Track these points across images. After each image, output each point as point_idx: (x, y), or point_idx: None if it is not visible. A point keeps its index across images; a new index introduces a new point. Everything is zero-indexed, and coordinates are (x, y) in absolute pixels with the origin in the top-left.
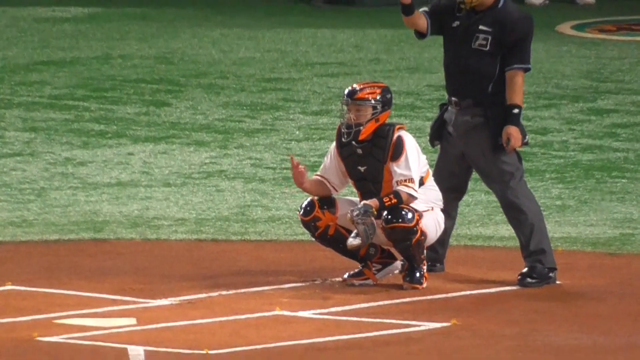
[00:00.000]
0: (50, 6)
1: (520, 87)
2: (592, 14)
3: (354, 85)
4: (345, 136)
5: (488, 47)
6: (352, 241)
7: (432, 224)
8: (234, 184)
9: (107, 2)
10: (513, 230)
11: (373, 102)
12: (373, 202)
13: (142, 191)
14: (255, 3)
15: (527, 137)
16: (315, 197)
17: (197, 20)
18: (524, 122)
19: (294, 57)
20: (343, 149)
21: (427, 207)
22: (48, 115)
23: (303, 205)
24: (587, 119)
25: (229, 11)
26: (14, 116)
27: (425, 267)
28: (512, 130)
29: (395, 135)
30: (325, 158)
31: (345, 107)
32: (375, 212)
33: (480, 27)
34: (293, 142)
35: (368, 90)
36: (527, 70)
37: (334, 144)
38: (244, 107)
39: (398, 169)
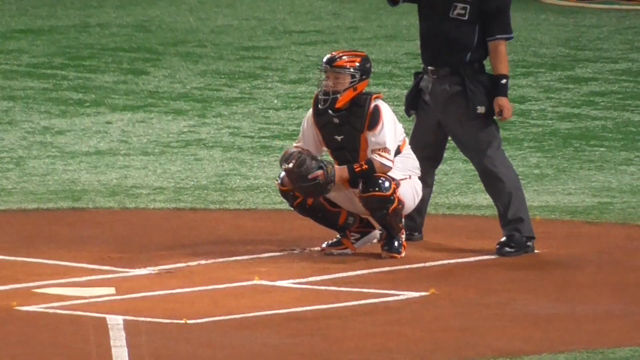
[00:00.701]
0: None
1: (504, 57)
2: None
3: (334, 53)
4: (322, 103)
5: (467, 17)
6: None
7: (410, 192)
8: (212, 153)
9: None
10: (491, 199)
11: (352, 70)
12: (342, 170)
13: (121, 160)
14: None
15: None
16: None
17: None
18: None
19: (271, 25)
20: (320, 117)
21: (404, 175)
22: (26, 84)
23: (281, 175)
24: (565, 88)
25: None
26: None
27: (403, 236)
28: (504, 102)
29: (372, 104)
30: (302, 126)
31: (323, 74)
32: (333, 180)
33: None
34: (271, 111)
35: (347, 59)
36: (509, 39)
37: (309, 111)
38: (222, 76)
39: (373, 137)
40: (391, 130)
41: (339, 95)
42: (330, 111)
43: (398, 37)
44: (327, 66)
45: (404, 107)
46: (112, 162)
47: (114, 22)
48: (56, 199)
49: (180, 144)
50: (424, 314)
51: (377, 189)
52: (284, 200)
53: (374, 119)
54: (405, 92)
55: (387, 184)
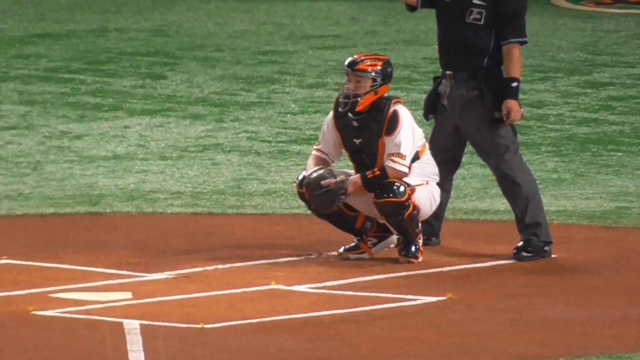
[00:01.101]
0: None
1: (518, 61)
2: None
3: (355, 56)
4: (343, 106)
5: (483, 21)
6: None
7: (426, 197)
8: (229, 157)
9: None
10: (508, 204)
11: (373, 74)
12: (356, 178)
13: (138, 164)
14: None
15: (521, 110)
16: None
17: None
18: (521, 95)
19: (289, 29)
20: (339, 120)
21: (422, 181)
22: (44, 89)
23: (299, 178)
24: (583, 92)
25: None
26: (9, 89)
27: (420, 241)
28: (512, 104)
29: (392, 109)
30: (322, 129)
31: (345, 77)
32: (346, 191)
33: (474, 1)
34: (289, 115)
35: (369, 62)
36: (523, 43)
37: (330, 114)
38: (240, 80)
39: (390, 142)
40: (409, 136)
41: (359, 99)
42: (350, 114)
43: (416, 41)
44: (349, 69)
45: (422, 112)
46: (130, 166)
47: (132, 27)
48: (74, 203)
49: (198, 149)
50: (441, 319)
51: (391, 194)
52: (302, 205)
53: (393, 123)
54: (423, 96)
55: (401, 189)
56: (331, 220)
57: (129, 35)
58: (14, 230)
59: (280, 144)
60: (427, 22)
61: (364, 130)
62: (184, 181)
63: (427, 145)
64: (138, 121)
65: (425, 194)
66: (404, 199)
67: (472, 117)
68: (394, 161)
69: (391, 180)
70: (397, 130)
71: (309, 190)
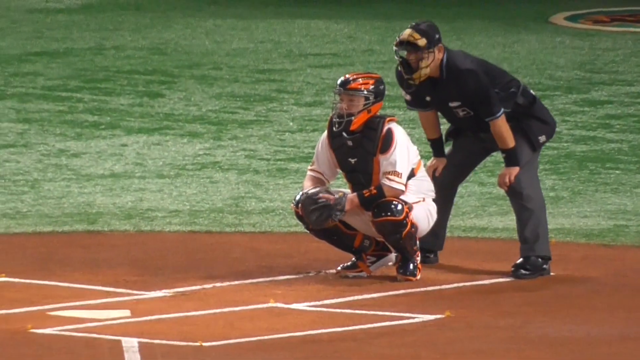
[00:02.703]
0: None
1: (501, 132)
2: (585, 4)
3: (347, 75)
4: (337, 126)
5: (473, 113)
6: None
7: (424, 215)
8: (227, 176)
9: None
10: (507, 221)
11: (365, 92)
12: (353, 197)
13: (136, 182)
14: None
15: (543, 135)
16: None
17: (190, 10)
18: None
19: (287, 47)
20: (334, 140)
21: (418, 198)
22: (41, 107)
23: (296, 198)
24: (580, 110)
25: (222, 1)
26: (7, 107)
27: (418, 259)
28: (512, 171)
29: (385, 128)
30: (316, 149)
31: (337, 97)
32: (343, 208)
33: (450, 104)
34: (287, 134)
35: (361, 81)
36: (499, 116)
37: (324, 134)
38: (238, 99)
39: (385, 161)
40: (404, 154)
41: (353, 118)
42: (344, 134)
43: None
44: (341, 89)
45: (445, 134)
46: (128, 184)
47: (130, 45)
48: (71, 221)
49: (196, 167)
50: (439, 337)
51: (389, 213)
52: (299, 223)
53: (387, 142)
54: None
55: (399, 208)
56: (329, 240)
57: (126, 53)
58: (12, 248)
59: (278, 162)
60: None
61: (358, 149)
62: (182, 199)
63: (422, 162)
64: (136, 139)
65: (422, 211)
66: (401, 217)
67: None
68: (390, 179)
69: (388, 198)
70: (392, 149)
71: (305, 206)
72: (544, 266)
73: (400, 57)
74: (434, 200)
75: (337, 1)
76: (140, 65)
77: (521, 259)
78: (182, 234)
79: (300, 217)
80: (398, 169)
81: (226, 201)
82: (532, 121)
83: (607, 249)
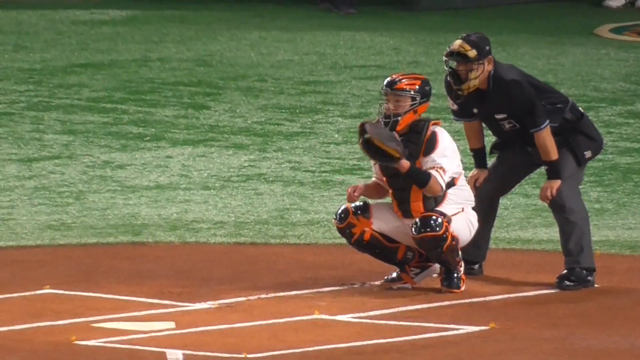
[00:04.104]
0: (89, 9)
1: (549, 144)
2: (630, 17)
3: (394, 76)
4: (383, 126)
5: (519, 126)
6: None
7: (464, 225)
8: (273, 187)
9: (146, 5)
10: (552, 233)
11: (412, 93)
12: (406, 162)
13: (181, 194)
14: (295, 6)
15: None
16: (350, 204)
17: (235, 22)
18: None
19: (332, 59)
20: None
21: (458, 208)
22: (86, 118)
23: (338, 212)
24: (625, 122)
25: (267, 14)
26: (52, 119)
27: (462, 269)
28: (554, 184)
29: (430, 131)
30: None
31: (384, 97)
32: (400, 158)
33: (496, 116)
34: (332, 145)
35: (407, 81)
36: (545, 127)
37: None
38: (283, 110)
39: (429, 159)
40: (449, 155)
41: (399, 118)
42: None
43: None
44: (388, 89)
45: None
46: (173, 196)
47: (175, 57)
48: (116, 233)
49: (241, 179)
50: (483, 349)
51: (428, 229)
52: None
53: (431, 144)
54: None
55: (439, 221)
56: (372, 253)
57: (171, 65)
58: (56, 260)
59: (323, 174)
60: None
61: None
62: (227, 211)
63: (462, 173)
64: (181, 151)
65: (461, 222)
66: (441, 231)
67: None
68: (438, 172)
69: (428, 213)
70: (436, 150)
71: (376, 128)
72: (589, 278)
73: (450, 67)
74: (473, 209)
75: (382, 13)
76: (185, 77)
77: (565, 271)
78: (227, 245)
79: (342, 233)
80: (445, 165)
81: (271, 213)
82: (578, 136)
83: None
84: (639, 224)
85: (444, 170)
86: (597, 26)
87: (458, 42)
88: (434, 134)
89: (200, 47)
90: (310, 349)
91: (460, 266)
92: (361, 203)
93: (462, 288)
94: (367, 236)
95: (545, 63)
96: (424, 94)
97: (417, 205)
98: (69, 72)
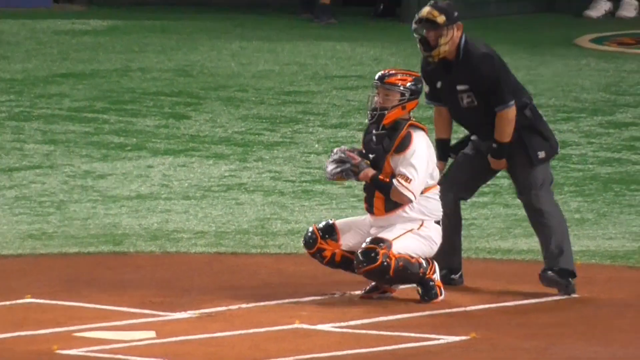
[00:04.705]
0: (70, 19)
1: (503, 125)
2: (611, 27)
3: (387, 70)
4: (370, 118)
5: (476, 103)
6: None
7: (415, 243)
8: (253, 197)
9: (127, 15)
10: (532, 243)
11: (402, 88)
12: (370, 171)
13: (162, 204)
14: (276, 16)
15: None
16: (316, 227)
17: (216, 32)
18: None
19: (313, 70)
20: (365, 135)
21: (413, 221)
22: (67, 128)
23: (305, 238)
24: (605, 132)
25: (248, 24)
26: (33, 128)
27: (435, 276)
28: (501, 163)
29: (406, 131)
30: None
31: (374, 90)
32: (358, 173)
33: (458, 87)
34: (312, 155)
35: (399, 77)
36: (508, 107)
37: None
38: (264, 120)
39: (399, 163)
40: (422, 163)
41: (386, 112)
42: (373, 131)
43: None
44: (379, 82)
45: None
46: (154, 206)
47: (156, 67)
48: (97, 242)
49: (222, 188)
50: (464, 359)
51: (365, 264)
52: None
53: (404, 143)
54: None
55: (372, 255)
56: (346, 269)
57: (152, 75)
58: (38, 269)
59: (304, 184)
60: None
61: (378, 146)
62: (207, 221)
63: (435, 185)
64: (161, 161)
65: (412, 240)
66: (378, 262)
67: (516, 160)
68: (399, 182)
69: (366, 246)
70: (408, 152)
71: (331, 155)
72: (570, 279)
73: (420, 35)
74: (439, 222)
75: (362, 24)
76: (166, 87)
77: (546, 265)
78: (208, 255)
79: (313, 256)
80: (410, 175)
81: (252, 223)
82: (533, 136)
83: (632, 271)
84: (619, 234)
85: (407, 180)
86: (577, 36)
87: (426, 9)
88: (408, 135)
89: (181, 57)
90: (291, 358)
91: (432, 274)
92: (327, 223)
93: (441, 296)
94: (337, 257)
95: (526, 74)
96: (414, 91)
97: (379, 202)
98: (50, 82)
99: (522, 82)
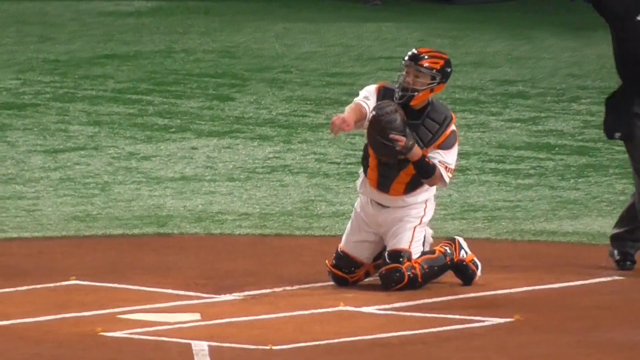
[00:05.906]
0: (114, 0)
1: None
2: None
3: (418, 50)
4: (399, 98)
5: None
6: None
7: (423, 234)
8: (297, 179)
9: None
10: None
11: (434, 71)
12: (418, 151)
13: (206, 186)
14: None
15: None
16: (332, 266)
17: (260, 14)
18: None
19: (357, 51)
20: (386, 113)
21: (420, 205)
22: (112, 109)
23: (337, 282)
24: None
25: (293, 5)
26: (77, 110)
27: (462, 255)
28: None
29: (451, 129)
30: (367, 93)
31: (404, 69)
32: (411, 154)
33: None
34: (357, 137)
35: (431, 59)
36: None
37: (373, 87)
38: (308, 102)
39: (443, 155)
40: (456, 155)
41: (416, 94)
42: (399, 117)
43: (484, 63)
44: (411, 62)
45: (604, 130)
46: (198, 187)
47: (199, 48)
48: (141, 224)
49: (266, 170)
50: (508, 341)
51: (393, 284)
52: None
53: (449, 142)
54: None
55: (397, 275)
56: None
57: (196, 56)
58: (82, 251)
59: (348, 166)
60: (495, 44)
61: (411, 135)
62: (251, 202)
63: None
64: (206, 142)
65: (420, 234)
66: (405, 279)
67: None
68: (446, 169)
69: (388, 267)
70: (452, 150)
71: (375, 129)
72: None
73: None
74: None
75: (406, 5)
76: (210, 69)
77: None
78: (252, 237)
79: (352, 284)
80: (451, 165)
81: (296, 204)
82: None
83: None
84: None
85: (451, 171)
86: None
87: None
88: (453, 134)
89: (225, 39)
90: (335, 340)
91: (458, 254)
92: (338, 255)
93: (478, 270)
94: (371, 270)
95: (571, 55)
96: (444, 75)
97: (399, 186)
98: (94, 64)
99: (567, 64)
